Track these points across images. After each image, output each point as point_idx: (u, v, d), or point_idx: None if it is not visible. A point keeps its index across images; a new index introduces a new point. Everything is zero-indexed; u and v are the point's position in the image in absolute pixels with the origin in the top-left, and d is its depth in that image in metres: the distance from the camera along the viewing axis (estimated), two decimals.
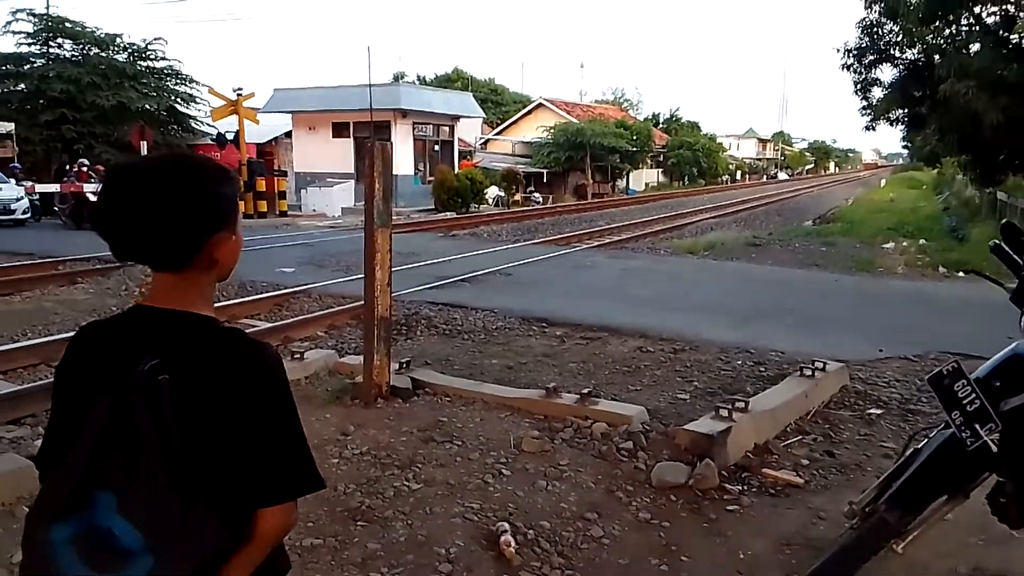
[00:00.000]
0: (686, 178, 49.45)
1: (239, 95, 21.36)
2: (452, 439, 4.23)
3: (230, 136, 21.36)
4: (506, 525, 3.26)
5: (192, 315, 1.19)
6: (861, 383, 5.62)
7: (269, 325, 7.66)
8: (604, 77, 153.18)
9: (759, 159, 77.83)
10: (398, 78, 30.06)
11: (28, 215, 17.66)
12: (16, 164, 19.46)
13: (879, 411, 5.10)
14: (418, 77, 50.15)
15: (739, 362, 6.25)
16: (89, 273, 10.61)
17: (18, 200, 17.33)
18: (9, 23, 23.35)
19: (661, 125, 57.55)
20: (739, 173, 63.57)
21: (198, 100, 25.02)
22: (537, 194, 30.79)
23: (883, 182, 59.46)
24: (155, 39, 25.08)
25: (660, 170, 48.72)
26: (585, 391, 4.66)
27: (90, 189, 17.23)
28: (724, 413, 4.24)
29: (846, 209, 28.98)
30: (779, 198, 36.19)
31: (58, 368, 1.23)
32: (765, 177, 70.79)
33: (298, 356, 5.51)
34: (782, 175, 76.11)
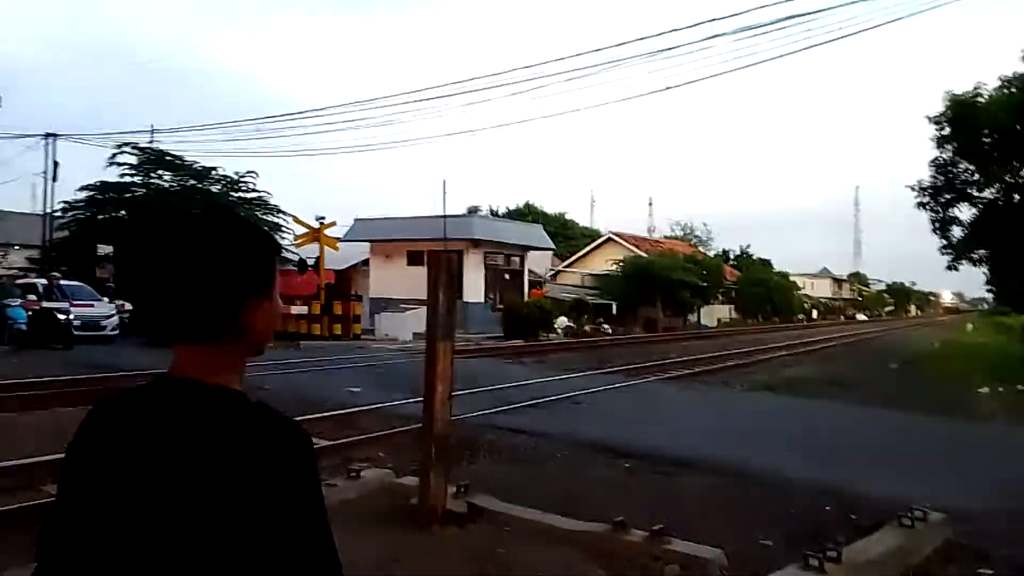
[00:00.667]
0: (759, 315, 48.56)
1: (321, 223, 22.44)
2: (508, 574, 3.89)
3: (311, 262, 22.28)
4: None
5: (220, 388, 1.04)
6: (966, 537, 5.01)
7: (327, 443, 7.53)
8: (672, 213, 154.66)
9: (835, 299, 76.14)
10: (472, 211, 31.25)
11: (117, 332, 18.53)
12: (111, 284, 20.67)
13: (990, 572, 4.50)
14: (491, 210, 51.95)
15: (828, 507, 5.71)
16: None
17: (108, 318, 18.31)
18: (115, 155, 25.41)
19: (731, 261, 57.42)
20: (815, 312, 62.15)
21: (284, 228, 26.34)
22: (606, 325, 30.63)
23: (969, 326, 56.96)
24: (247, 172, 26.81)
25: (732, 306, 48.09)
26: (657, 527, 4.28)
27: None
28: (814, 563, 3.80)
29: (933, 350, 27.64)
30: (860, 338, 34.93)
31: (70, 446, 1.07)
32: (842, 317, 68.91)
33: (353, 475, 5.31)
34: (861, 316, 73.97)
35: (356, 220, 29.61)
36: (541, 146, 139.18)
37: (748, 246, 65.16)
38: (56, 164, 25.59)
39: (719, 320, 44.48)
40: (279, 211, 26.67)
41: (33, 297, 16.68)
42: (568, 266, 44.81)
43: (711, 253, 56.84)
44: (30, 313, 16.28)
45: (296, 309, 20.70)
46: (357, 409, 9.20)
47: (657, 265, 35.13)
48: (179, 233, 1.05)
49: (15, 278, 22.40)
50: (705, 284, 38.28)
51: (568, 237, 52.05)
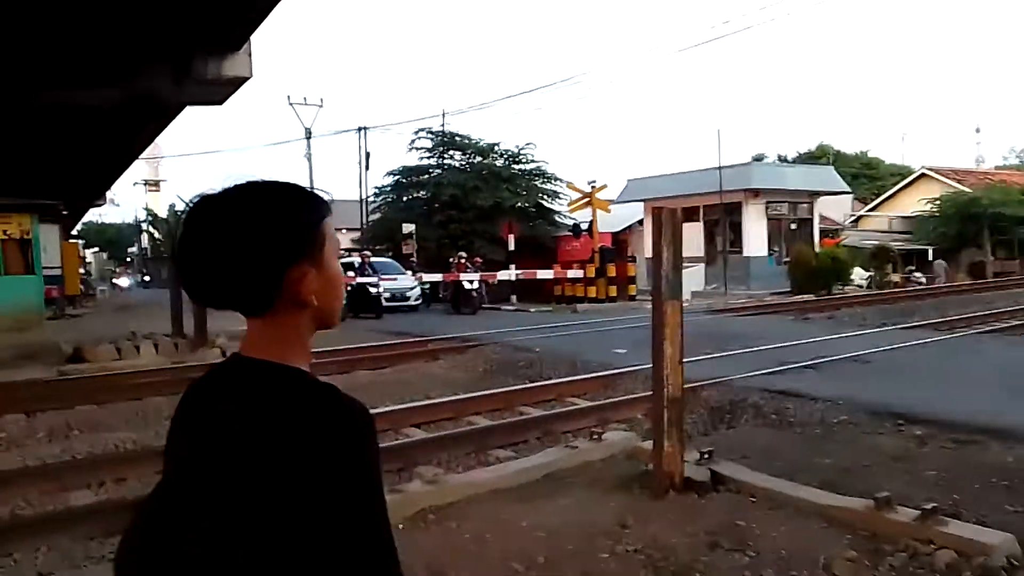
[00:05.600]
0: None
1: (593, 187, 22.72)
2: (744, 548, 3.57)
3: (584, 226, 22.72)
4: None
5: (281, 367, 1.02)
6: None
7: (587, 404, 7.60)
8: (1008, 140, 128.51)
9: None
10: (757, 159, 29.36)
11: (419, 301, 20.70)
12: (414, 259, 23.07)
13: None
14: (778, 157, 48.33)
15: None
16: (449, 351, 11.83)
17: (412, 289, 20.47)
18: (413, 141, 28.08)
19: None
20: None
21: (561, 196, 27.18)
22: (919, 274, 27.01)
23: None
24: (526, 144, 28.02)
25: None
26: (930, 506, 3.61)
27: (466, 278, 19.60)
28: None
29: None
30: None
31: (171, 420, 1.14)
32: None
33: (596, 437, 5.28)
34: None
35: (629, 180, 29.50)
36: (833, 80, 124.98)
37: None
38: (368, 154, 29.02)
39: None
40: (555, 178, 27.62)
41: (351, 274, 19.22)
42: (871, 209, 40.19)
43: None
44: (348, 288, 18.81)
45: (572, 273, 21.28)
46: (620, 370, 9.15)
47: (985, 200, 29.97)
48: (215, 204, 1.03)
49: (340, 258, 26.07)
50: None
51: (872, 178, 46.58)
